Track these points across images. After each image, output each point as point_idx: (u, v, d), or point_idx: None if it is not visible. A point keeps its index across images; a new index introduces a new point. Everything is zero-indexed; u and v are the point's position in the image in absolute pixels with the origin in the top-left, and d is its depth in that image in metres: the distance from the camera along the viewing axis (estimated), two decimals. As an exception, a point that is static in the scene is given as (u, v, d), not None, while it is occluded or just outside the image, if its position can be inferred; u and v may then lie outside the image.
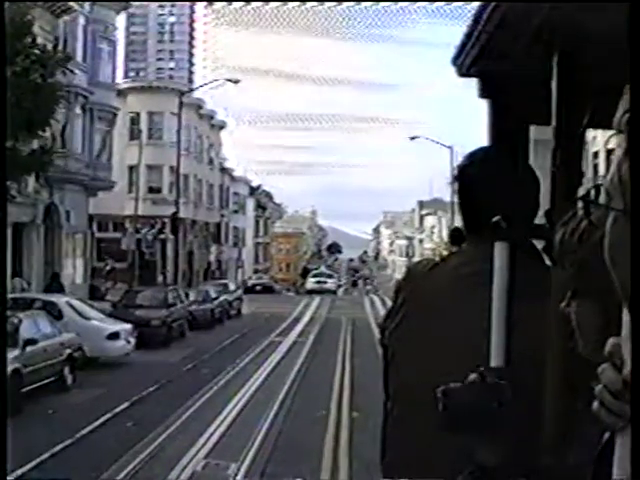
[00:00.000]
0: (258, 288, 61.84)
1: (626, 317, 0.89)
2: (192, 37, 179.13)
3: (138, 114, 53.65)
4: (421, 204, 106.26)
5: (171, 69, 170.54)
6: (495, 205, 1.79)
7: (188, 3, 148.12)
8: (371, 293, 71.70)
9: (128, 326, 19.93)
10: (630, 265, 0.79)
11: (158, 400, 14.78)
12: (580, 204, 1.09)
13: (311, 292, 65.15)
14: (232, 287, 38.78)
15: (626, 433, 0.88)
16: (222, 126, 70.64)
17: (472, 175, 1.99)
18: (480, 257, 1.78)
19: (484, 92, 2.16)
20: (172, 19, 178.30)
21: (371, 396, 7.79)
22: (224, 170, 74.05)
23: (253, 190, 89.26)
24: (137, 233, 46.15)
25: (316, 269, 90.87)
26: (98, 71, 36.46)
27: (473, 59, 2.07)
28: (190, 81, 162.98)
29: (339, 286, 78.90)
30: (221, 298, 33.63)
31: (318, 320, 35.31)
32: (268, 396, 15.24)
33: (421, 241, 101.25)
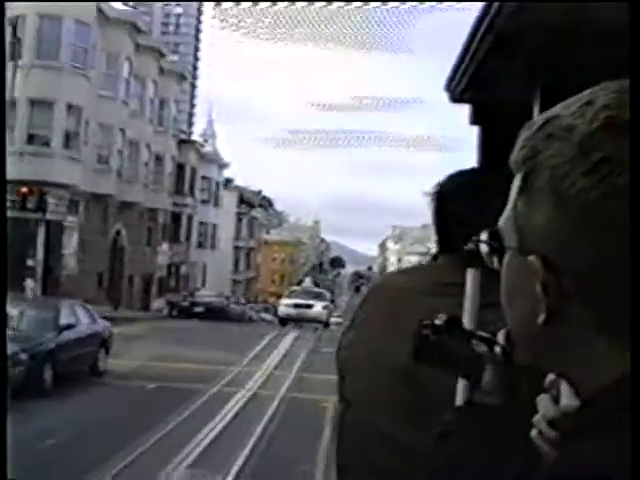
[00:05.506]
0: (198, 310, 37.73)
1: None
2: (198, 30, 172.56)
3: (22, 18, 33.57)
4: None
5: (174, 62, 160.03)
6: (471, 229, 1.58)
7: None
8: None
9: None
10: (630, 265, 0.77)
11: None
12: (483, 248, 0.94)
13: (285, 321, 38.64)
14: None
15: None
16: (182, 75, 50.43)
17: (451, 198, 1.94)
18: (460, 272, 1.61)
19: (475, 119, 2.48)
20: (178, 10, 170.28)
21: None
22: (186, 143, 53.75)
23: (228, 180, 69.55)
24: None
25: (297, 284, 63.60)
26: None
27: (464, 87, 2.34)
28: (194, 77, 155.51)
29: (330, 312, 42.54)
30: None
31: (258, 416, 13.22)
32: None
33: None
